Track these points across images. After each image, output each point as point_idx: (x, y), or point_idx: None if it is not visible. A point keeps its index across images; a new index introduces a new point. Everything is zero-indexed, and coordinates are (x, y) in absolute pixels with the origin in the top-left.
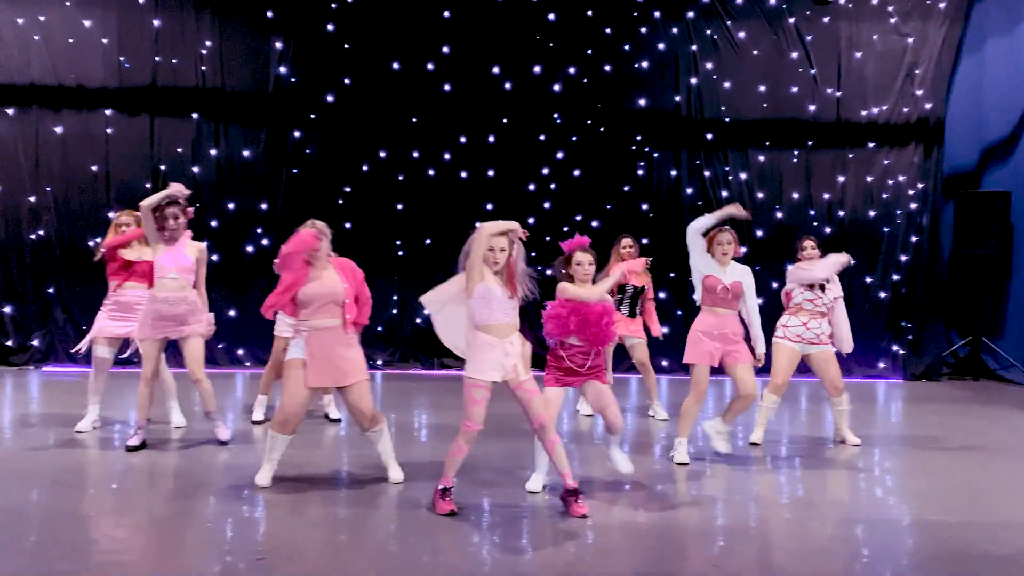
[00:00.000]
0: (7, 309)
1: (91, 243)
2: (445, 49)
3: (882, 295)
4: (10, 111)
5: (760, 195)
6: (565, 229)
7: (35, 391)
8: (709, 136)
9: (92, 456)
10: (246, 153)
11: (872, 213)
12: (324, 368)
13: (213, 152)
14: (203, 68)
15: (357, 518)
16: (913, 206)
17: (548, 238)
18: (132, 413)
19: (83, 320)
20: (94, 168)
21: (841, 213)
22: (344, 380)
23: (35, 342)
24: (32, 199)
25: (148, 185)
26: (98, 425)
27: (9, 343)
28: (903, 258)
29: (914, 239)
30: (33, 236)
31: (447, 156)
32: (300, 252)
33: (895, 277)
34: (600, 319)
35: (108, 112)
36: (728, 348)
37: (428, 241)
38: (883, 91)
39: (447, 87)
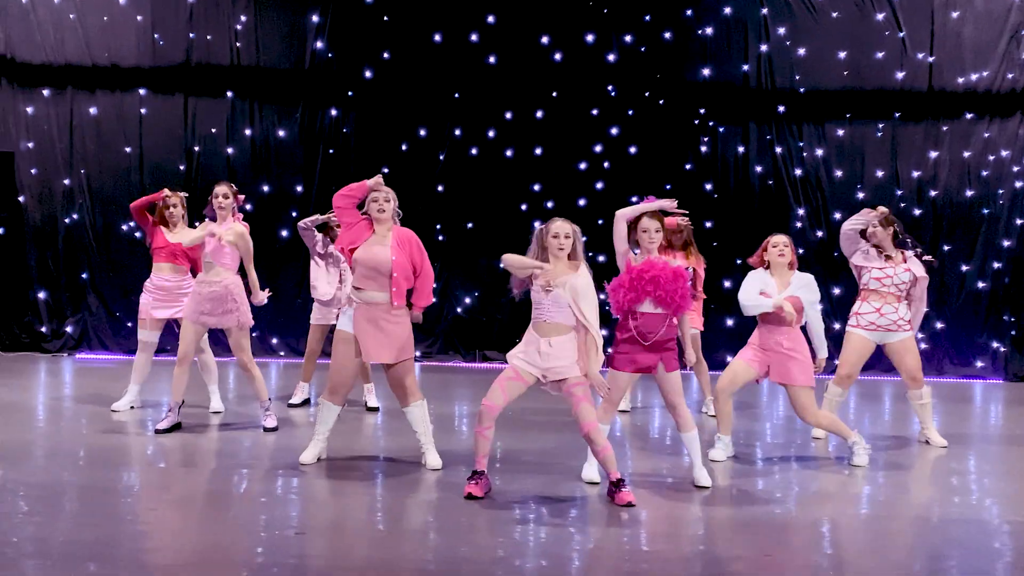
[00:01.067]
0: (41, 295)
1: (124, 227)
2: (490, 18)
3: (980, 286)
4: (45, 92)
5: (839, 173)
6: None
7: (68, 378)
8: (781, 108)
9: (126, 439)
10: (281, 133)
11: (969, 193)
12: (368, 343)
13: (248, 132)
14: (237, 44)
15: (396, 501)
16: (1018, 184)
17: (601, 222)
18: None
19: (116, 307)
20: (128, 150)
21: (933, 193)
22: (383, 358)
23: (68, 328)
24: (67, 182)
25: (182, 167)
26: (136, 406)
27: (43, 329)
28: (1006, 244)
29: (1019, 222)
30: (67, 220)
31: (491, 133)
32: (351, 196)
33: (996, 265)
34: (675, 280)
35: (142, 92)
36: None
37: (470, 225)
38: (983, 55)
39: (492, 59)
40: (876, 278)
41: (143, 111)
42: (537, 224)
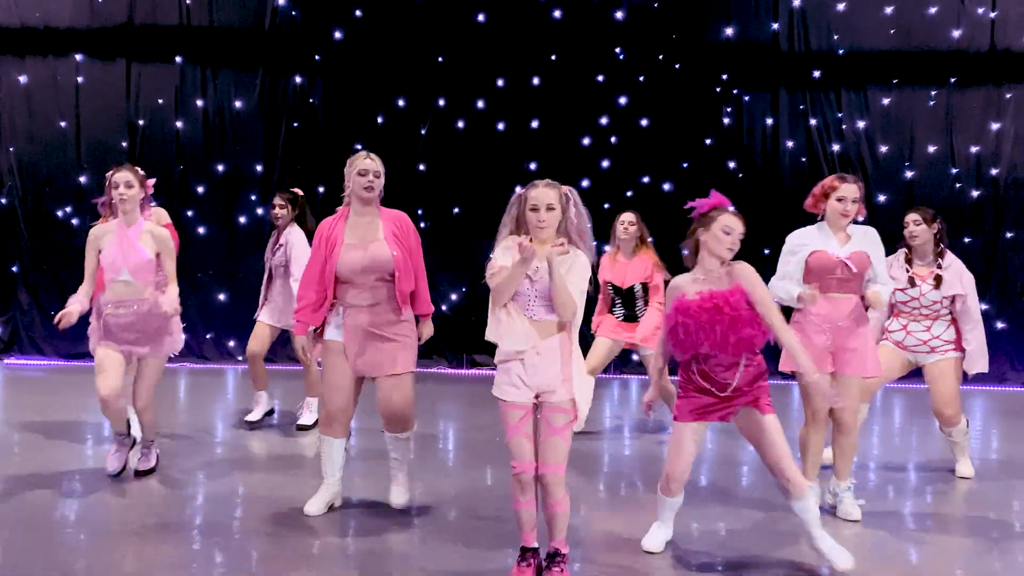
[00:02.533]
0: None
1: (60, 213)
2: None
3: None
4: None
5: (883, 149)
6: (629, 194)
7: None
8: (816, 73)
9: (59, 467)
10: (238, 104)
11: None
12: (361, 354)
13: (199, 103)
14: (187, 2)
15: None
16: None
17: (607, 205)
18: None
19: (52, 305)
20: (62, 124)
21: (994, 171)
22: (381, 370)
23: None
24: None
25: (125, 144)
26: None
27: None
28: None
29: None
30: None
31: (480, 104)
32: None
33: None
34: (741, 309)
35: (79, 57)
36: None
37: (457, 210)
38: None
39: (481, 17)
40: (902, 301)
41: (79, 79)
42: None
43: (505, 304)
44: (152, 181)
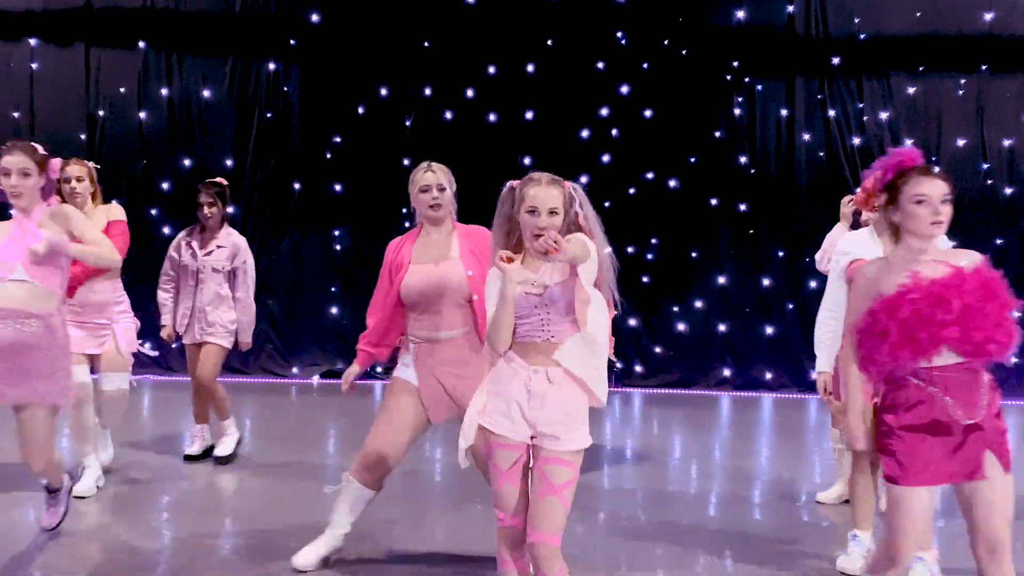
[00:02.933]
0: None
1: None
2: None
3: None
4: None
5: (909, 141)
6: (631, 191)
7: None
8: (835, 60)
9: None
10: (206, 93)
11: None
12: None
13: (164, 92)
14: None
15: None
16: None
17: (607, 203)
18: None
19: None
20: (15, 115)
21: None
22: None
23: None
24: None
25: (83, 136)
26: (100, 485)
27: None
28: None
29: None
30: None
31: (470, 93)
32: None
33: None
34: (988, 289)
35: (33, 42)
36: None
37: None
38: None
39: None
40: None
41: (34, 65)
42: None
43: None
44: (57, 163)
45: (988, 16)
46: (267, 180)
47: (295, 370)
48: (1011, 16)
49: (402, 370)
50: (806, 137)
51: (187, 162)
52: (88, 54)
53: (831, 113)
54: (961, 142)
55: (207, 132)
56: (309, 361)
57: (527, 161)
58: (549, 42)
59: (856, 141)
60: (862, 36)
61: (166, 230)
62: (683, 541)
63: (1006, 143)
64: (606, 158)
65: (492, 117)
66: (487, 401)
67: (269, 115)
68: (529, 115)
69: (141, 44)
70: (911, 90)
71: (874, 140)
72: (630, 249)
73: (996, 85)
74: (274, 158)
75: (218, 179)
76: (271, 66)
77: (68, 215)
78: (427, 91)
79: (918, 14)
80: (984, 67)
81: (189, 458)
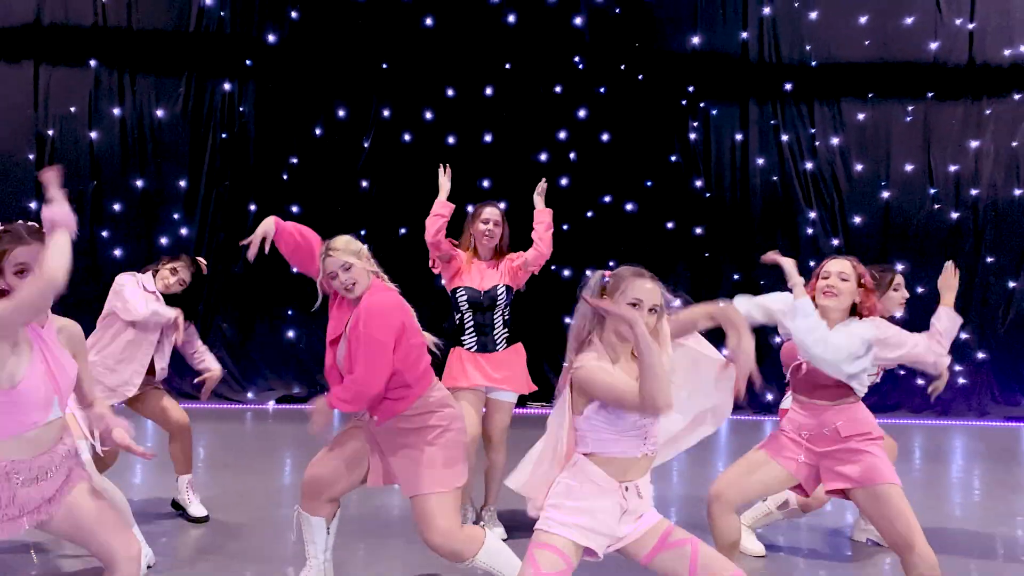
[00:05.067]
0: None
1: None
2: None
3: None
4: None
5: (859, 167)
6: (589, 215)
7: None
8: (788, 86)
9: None
10: (160, 113)
11: (1018, 192)
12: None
13: (116, 111)
14: (103, 0)
15: None
16: None
17: (566, 227)
18: None
19: None
20: None
21: (974, 192)
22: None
23: None
24: None
25: (32, 156)
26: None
27: None
28: None
29: None
30: None
31: (429, 115)
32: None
33: None
34: None
35: None
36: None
37: (403, 231)
38: None
39: (428, 21)
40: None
41: None
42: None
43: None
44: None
45: (933, 45)
46: (222, 201)
47: (250, 395)
48: (955, 45)
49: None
50: (760, 161)
51: (139, 183)
52: (37, 72)
53: (784, 138)
54: (909, 167)
55: (160, 152)
56: (264, 386)
57: (486, 184)
58: (508, 65)
59: (808, 165)
60: (814, 63)
61: (117, 252)
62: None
63: (952, 168)
64: (564, 181)
65: (451, 139)
66: (562, 499)
67: (224, 135)
68: (488, 137)
69: (92, 62)
70: (861, 116)
71: (826, 165)
72: (589, 272)
73: (941, 112)
74: (229, 179)
75: (200, 259)
76: (226, 86)
77: (78, 336)
78: (385, 113)
79: (867, 42)
80: (930, 94)
81: (198, 519)
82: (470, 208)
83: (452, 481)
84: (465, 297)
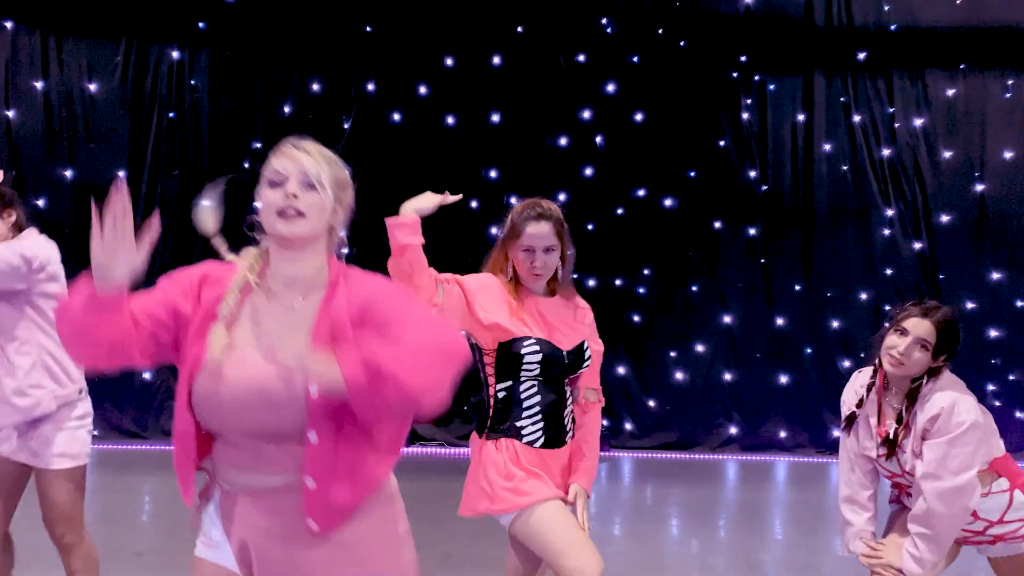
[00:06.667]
0: None
1: None
2: None
3: None
4: None
5: (947, 155)
6: (619, 212)
7: None
8: (861, 56)
9: None
10: (93, 87)
11: None
12: None
13: (39, 85)
14: None
15: None
16: None
17: (590, 226)
18: None
19: None
20: None
21: None
22: None
23: None
24: None
25: None
26: None
27: None
28: None
29: None
30: None
31: (423, 90)
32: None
33: None
34: None
35: None
36: None
37: None
38: None
39: None
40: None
41: None
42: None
43: None
44: None
45: None
46: (170, 195)
47: None
48: None
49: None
50: (827, 147)
51: (68, 173)
52: None
53: (856, 119)
54: (1008, 155)
55: (94, 135)
56: None
57: (493, 174)
58: (519, 29)
59: (886, 152)
60: (893, 27)
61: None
62: None
63: None
64: (589, 171)
65: (450, 120)
66: None
67: (172, 115)
68: (495, 118)
69: (7, 24)
70: (950, 92)
71: (907, 151)
72: (618, 282)
73: None
74: (179, 168)
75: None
76: (174, 54)
77: None
78: (370, 87)
79: (958, 2)
80: None
81: None
82: (474, 203)
83: None
84: (539, 354)
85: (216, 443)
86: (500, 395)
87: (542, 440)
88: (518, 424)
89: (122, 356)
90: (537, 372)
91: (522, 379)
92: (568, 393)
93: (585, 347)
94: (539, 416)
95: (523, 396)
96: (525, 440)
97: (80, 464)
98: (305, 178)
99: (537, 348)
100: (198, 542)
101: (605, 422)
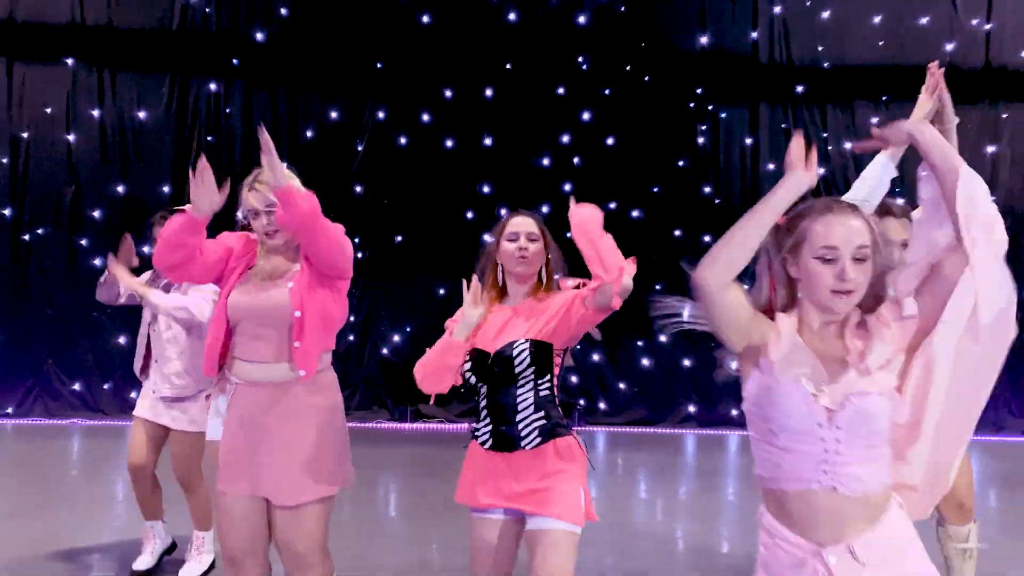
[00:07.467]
0: None
1: None
2: None
3: None
4: None
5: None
6: None
7: None
8: (800, 88)
9: None
10: (142, 114)
11: None
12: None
13: (96, 112)
14: None
15: None
16: None
17: (569, 234)
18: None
19: None
20: None
21: (992, 197)
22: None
23: None
24: None
25: (5, 160)
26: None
27: None
28: None
29: None
30: None
31: (426, 117)
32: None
33: None
34: None
35: None
36: None
37: (399, 239)
38: None
39: (425, 18)
40: None
41: None
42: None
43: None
44: None
45: (949, 46)
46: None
47: None
48: (970, 48)
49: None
50: (771, 166)
51: (120, 188)
52: (11, 70)
53: None
54: (923, 172)
55: (142, 156)
56: None
57: (486, 189)
58: (508, 66)
59: (821, 171)
60: (826, 65)
61: (97, 261)
62: None
63: None
64: (568, 187)
65: (449, 143)
66: None
67: (210, 138)
68: (488, 141)
69: (69, 61)
70: (875, 119)
71: (838, 170)
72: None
73: (958, 116)
74: (215, 184)
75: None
76: (212, 86)
77: None
78: (380, 115)
79: (881, 43)
80: None
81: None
82: (469, 214)
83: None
84: (468, 362)
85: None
86: (479, 399)
87: (490, 442)
88: (476, 425)
89: (187, 262)
90: (475, 381)
91: (479, 385)
92: (527, 397)
93: (515, 345)
94: (488, 419)
95: (482, 400)
96: (480, 441)
97: (200, 430)
98: (268, 205)
99: (469, 357)
100: (211, 424)
101: (582, 401)
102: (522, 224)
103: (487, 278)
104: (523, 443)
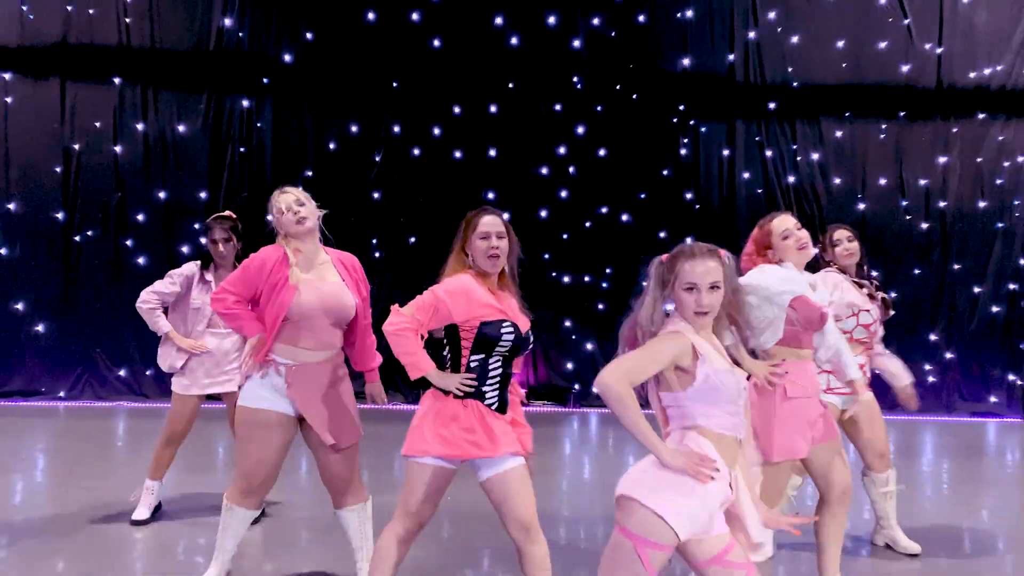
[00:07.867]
0: None
1: (2, 251)
2: None
3: (995, 310)
4: None
5: (837, 180)
6: (587, 224)
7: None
8: (772, 105)
9: None
10: (181, 128)
11: (982, 204)
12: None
13: (140, 127)
14: (127, 20)
15: None
16: None
17: (565, 235)
18: None
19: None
20: None
21: (942, 204)
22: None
23: None
24: None
25: (59, 169)
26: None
27: None
28: (1023, 262)
29: None
30: None
31: (436, 131)
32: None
33: (1012, 287)
34: None
35: (7, 76)
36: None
37: (412, 240)
38: (998, 47)
39: (436, 43)
40: (865, 324)
41: (8, 99)
42: None
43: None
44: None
45: (905, 68)
46: (240, 212)
47: None
48: (924, 69)
49: (251, 395)
50: (746, 175)
51: (162, 195)
52: (64, 89)
53: (768, 153)
54: (883, 181)
55: (181, 166)
56: None
57: (491, 195)
58: (510, 85)
59: (791, 180)
60: (795, 84)
61: (140, 260)
62: None
63: (922, 182)
64: (564, 193)
65: (457, 154)
66: (664, 492)
67: (242, 149)
68: (492, 152)
69: (116, 80)
70: (839, 134)
71: (806, 179)
72: (587, 278)
73: (912, 130)
74: (247, 191)
75: (228, 212)
76: (244, 102)
77: None
78: (396, 129)
79: (844, 65)
80: (902, 114)
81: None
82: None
83: None
84: (512, 335)
85: (297, 331)
86: (472, 364)
87: (497, 405)
88: (484, 390)
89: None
90: (507, 350)
91: (494, 354)
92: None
93: (530, 332)
94: (498, 385)
95: (491, 368)
96: (487, 403)
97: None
98: (295, 200)
99: (512, 331)
100: (257, 395)
101: (576, 386)
102: (492, 224)
103: (457, 263)
104: (506, 407)
